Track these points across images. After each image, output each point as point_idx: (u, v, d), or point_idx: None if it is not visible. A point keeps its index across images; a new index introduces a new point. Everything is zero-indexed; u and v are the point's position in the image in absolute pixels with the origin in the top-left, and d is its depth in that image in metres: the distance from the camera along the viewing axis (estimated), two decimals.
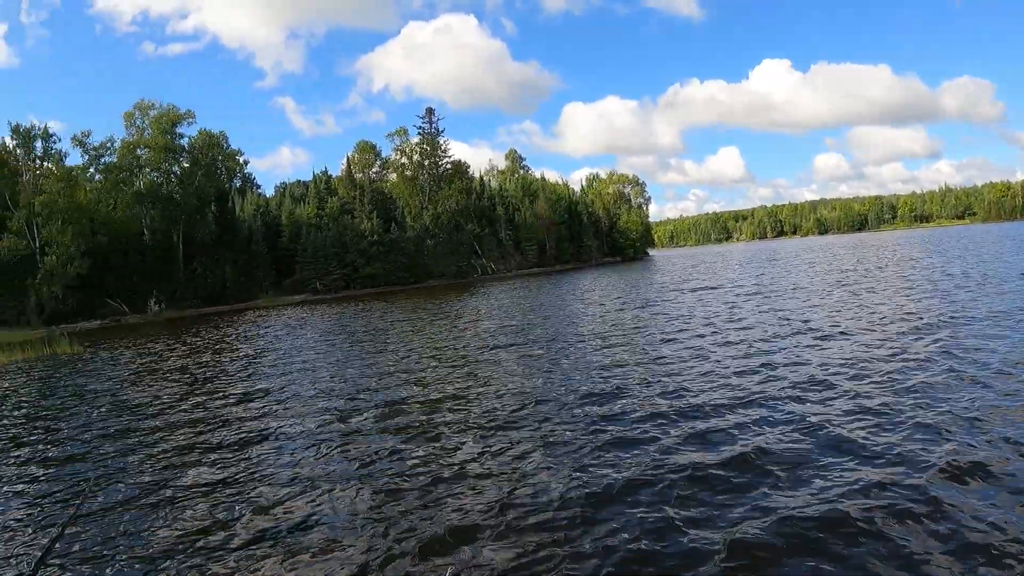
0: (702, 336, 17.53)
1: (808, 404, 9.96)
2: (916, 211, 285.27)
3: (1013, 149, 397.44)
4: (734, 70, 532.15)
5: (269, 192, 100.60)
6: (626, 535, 6.10)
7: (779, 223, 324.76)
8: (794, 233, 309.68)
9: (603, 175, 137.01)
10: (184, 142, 70.06)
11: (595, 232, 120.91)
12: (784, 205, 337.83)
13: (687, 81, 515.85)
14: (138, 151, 66.57)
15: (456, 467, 8.31)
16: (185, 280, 64.76)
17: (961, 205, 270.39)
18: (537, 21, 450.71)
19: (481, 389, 12.83)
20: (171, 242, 66.16)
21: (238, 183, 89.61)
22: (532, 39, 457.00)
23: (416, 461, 8.68)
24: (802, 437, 8.46)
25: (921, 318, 17.24)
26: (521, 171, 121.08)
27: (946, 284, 25.54)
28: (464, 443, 9.29)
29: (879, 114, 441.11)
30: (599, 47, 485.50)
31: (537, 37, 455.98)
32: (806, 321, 18.71)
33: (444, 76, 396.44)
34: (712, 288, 34.57)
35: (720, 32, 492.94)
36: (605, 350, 16.58)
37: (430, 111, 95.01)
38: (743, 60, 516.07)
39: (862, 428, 8.56)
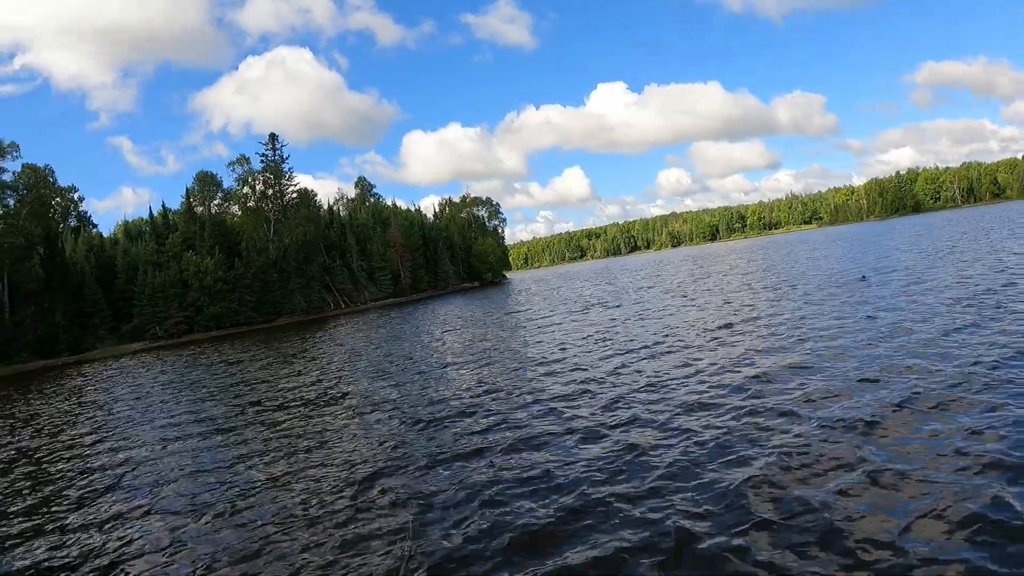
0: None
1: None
2: (765, 219, 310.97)
3: (847, 156, 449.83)
4: (570, 95, 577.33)
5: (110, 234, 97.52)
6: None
7: (632, 238, 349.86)
8: (648, 247, 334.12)
9: (456, 199, 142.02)
10: (7, 177, 68.81)
11: (451, 258, 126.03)
12: (636, 221, 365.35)
13: (524, 107, 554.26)
14: None
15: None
16: (11, 332, 63.59)
17: (808, 211, 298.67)
18: (371, 55, 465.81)
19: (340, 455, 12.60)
20: None
21: (73, 222, 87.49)
22: (368, 72, 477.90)
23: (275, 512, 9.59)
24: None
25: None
26: (372, 199, 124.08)
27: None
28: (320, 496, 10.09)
29: (716, 129, 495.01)
30: (436, 77, 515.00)
31: (373, 70, 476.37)
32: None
33: (283, 110, 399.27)
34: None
35: (554, 59, 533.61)
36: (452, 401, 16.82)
37: (273, 137, 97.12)
38: (579, 85, 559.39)
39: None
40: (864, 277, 29.81)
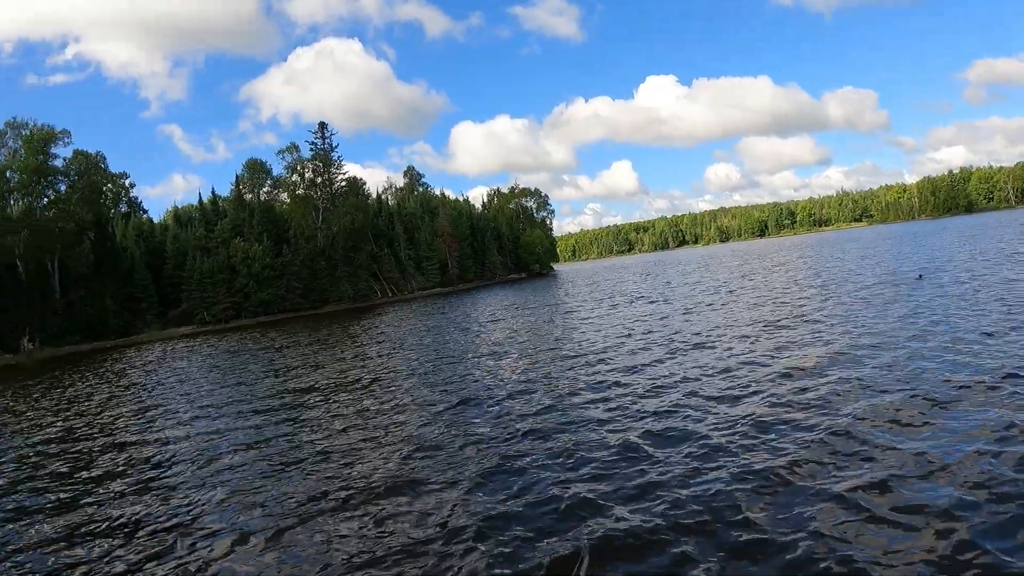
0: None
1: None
2: (815, 216, 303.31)
3: (898, 153, 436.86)
4: (619, 88, 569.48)
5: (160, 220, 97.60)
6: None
7: (680, 233, 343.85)
8: (696, 242, 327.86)
9: (504, 190, 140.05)
10: (59, 163, 68.67)
11: (499, 248, 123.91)
12: (684, 215, 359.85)
13: (572, 100, 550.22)
14: (8, 174, 64.64)
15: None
16: (62, 314, 63.46)
17: (858, 208, 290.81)
18: (419, 46, 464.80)
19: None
20: (46, 273, 64.94)
21: (124, 208, 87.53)
22: (416, 63, 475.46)
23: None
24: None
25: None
26: (420, 189, 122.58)
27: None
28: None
29: (765, 124, 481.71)
30: (484, 69, 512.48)
31: (421, 61, 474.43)
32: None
33: (331, 100, 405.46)
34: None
35: (602, 52, 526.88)
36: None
37: (323, 125, 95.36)
38: (628, 78, 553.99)
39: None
40: (920, 276, 29.11)
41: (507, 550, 7.09)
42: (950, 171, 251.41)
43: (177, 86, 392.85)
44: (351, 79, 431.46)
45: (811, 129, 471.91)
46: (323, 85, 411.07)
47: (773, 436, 9.59)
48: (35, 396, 27.66)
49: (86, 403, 23.11)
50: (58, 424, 19.13)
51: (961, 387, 10.69)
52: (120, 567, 7.93)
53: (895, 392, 10.94)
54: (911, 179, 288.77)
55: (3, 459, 15.14)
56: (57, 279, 65.07)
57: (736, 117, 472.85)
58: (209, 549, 8.07)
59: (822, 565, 5.98)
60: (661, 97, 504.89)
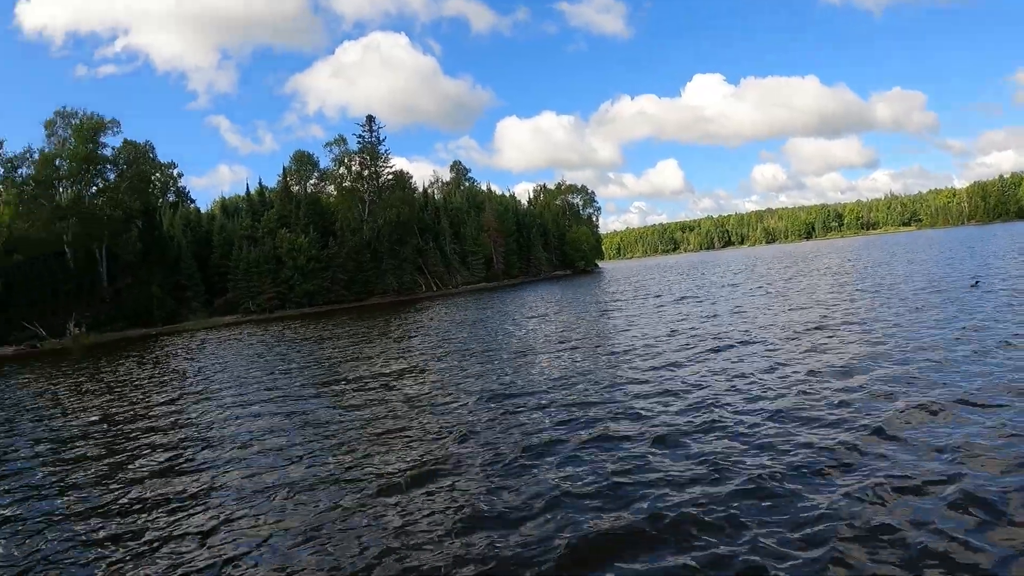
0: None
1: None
2: (862, 219, 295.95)
3: (947, 157, 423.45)
4: (666, 85, 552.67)
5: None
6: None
7: (726, 233, 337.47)
8: (742, 243, 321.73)
9: (551, 186, 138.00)
10: (108, 152, 68.27)
11: (544, 244, 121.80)
12: (730, 215, 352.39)
13: (618, 97, 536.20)
14: (57, 162, 64.40)
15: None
16: (109, 301, 62.93)
17: (907, 212, 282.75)
18: (465, 41, 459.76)
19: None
20: (93, 260, 64.61)
21: (172, 197, 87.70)
22: (462, 58, 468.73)
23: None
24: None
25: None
26: (466, 183, 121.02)
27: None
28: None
29: (813, 125, 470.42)
30: (530, 64, 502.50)
31: (467, 56, 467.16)
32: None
33: (378, 95, 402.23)
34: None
35: (648, 50, 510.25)
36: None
37: (370, 119, 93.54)
38: (675, 76, 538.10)
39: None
40: (976, 283, 27.69)
41: (523, 548, 7.09)
42: (1001, 176, 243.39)
43: (224, 78, 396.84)
44: (398, 73, 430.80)
45: (858, 130, 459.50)
46: (370, 79, 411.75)
47: (793, 443, 9.53)
48: (79, 380, 27.66)
49: (127, 387, 23.26)
50: (98, 407, 19.24)
51: (992, 401, 10.38)
52: (143, 548, 7.96)
53: (917, 401, 10.81)
54: (960, 183, 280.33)
55: (44, 439, 15.39)
56: (105, 266, 64.70)
57: (783, 117, 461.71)
58: (234, 535, 8.12)
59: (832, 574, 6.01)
60: (708, 95, 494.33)
